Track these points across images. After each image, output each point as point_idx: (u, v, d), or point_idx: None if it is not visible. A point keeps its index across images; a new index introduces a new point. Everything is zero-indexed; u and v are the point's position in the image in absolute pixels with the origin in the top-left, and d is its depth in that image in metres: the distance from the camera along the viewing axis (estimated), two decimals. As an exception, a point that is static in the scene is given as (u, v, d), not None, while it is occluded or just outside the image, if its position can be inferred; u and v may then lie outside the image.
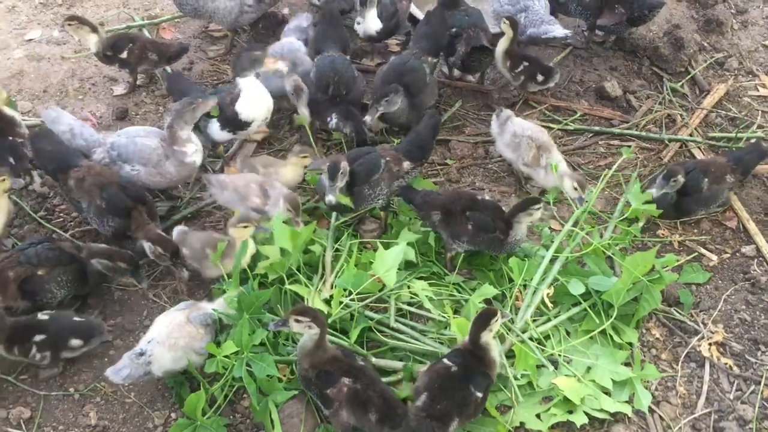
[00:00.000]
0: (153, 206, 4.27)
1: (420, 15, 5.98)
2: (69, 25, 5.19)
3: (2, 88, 4.81)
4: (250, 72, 4.60)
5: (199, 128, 4.62)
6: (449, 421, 3.24)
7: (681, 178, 4.32)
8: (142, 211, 4.10)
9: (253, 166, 4.57)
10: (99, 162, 4.37)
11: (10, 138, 4.56)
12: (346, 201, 4.03)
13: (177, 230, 4.14)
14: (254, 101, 4.65)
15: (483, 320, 3.29)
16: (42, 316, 3.71)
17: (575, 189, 4.28)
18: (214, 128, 4.70)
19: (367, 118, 4.67)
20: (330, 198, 3.95)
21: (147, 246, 3.99)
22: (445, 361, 3.36)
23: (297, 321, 3.22)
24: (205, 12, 5.56)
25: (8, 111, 4.64)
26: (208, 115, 4.57)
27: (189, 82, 5.07)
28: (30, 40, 5.92)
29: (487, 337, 3.31)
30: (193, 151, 4.38)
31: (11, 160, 4.53)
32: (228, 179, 4.37)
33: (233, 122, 4.65)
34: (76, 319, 3.77)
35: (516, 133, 4.65)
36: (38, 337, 3.62)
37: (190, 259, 4.02)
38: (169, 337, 3.50)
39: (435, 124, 4.50)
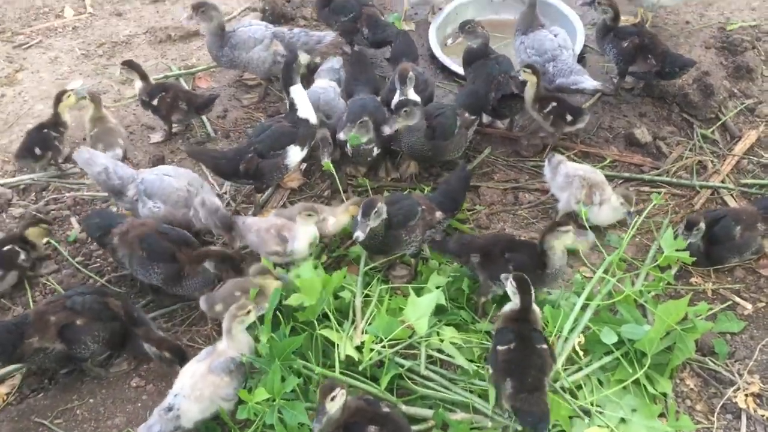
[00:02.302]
0: (198, 248, 4.33)
1: (449, 63, 6.10)
2: (123, 68, 5.58)
3: (75, 92, 5.44)
4: (297, 78, 4.76)
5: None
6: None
7: (702, 226, 4.34)
8: (186, 251, 4.17)
9: (295, 215, 4.49)
10: (131, 198, 4.51)
11: (45, 130, 5.30)
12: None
13: (201, 299, 4.15)
14: (308, 103, 4.85)
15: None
16: None
17: (622, 204, 4.42)
18: (294, 153, 4.79)
19: (386, 128, 4.69)
20: (358, 234, 3.95)
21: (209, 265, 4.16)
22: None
23: (333, 398, 3.18)
24: (240, 62, 5.73)
25: (66, 117, 5.39)
26: (279, 147, 4.73)
27: None
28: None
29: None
30: None
31: (37, 150, 5.26)
32: (252, 222, 4.45)
33: (307, 133, 4.84)
34: None
35: (569, 173, 4.74)
36: None
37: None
38: (194, 389, 3.53)
39: (467, 176, 4.63)
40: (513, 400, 3.41)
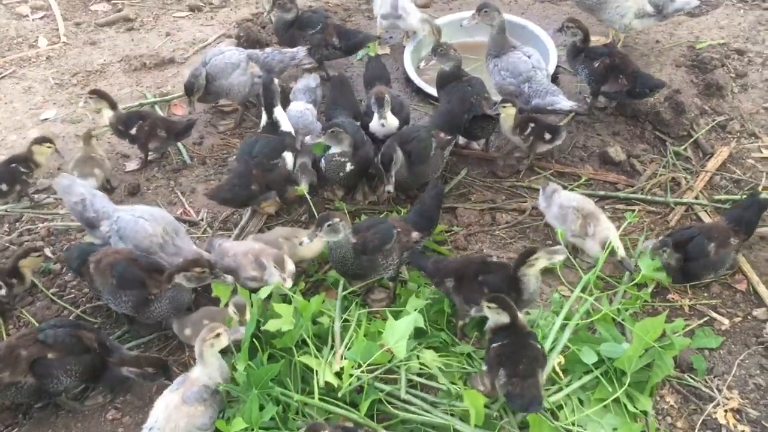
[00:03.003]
0: None
1: (425, 86, 6.14)
2: (90, 97, 5.54)
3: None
4: (278, 100, 5.04)
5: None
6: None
7: (669, 249, 4.40)
8: (156, 277, 4.09)
9: (274, 240, 4.53)
10: (104, 235, 4.46)
11: (13, 165, 5.25)
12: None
13: (174, 323, 4.16)
14: (288, 121, 5.15)
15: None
16: None
17: (602, 249, 4.39)
18: (290, 158, 5.03)
19: (389, 188, 4.81)
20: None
21: (183, 278, 4.00)
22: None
23: None
24: (221, 91, 5.78)
25: (41, 158, 5.31)
26: (276, 155, 4.95)
27: None
28: (45, 119, 6.09)
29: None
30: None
31: (3, 186, 5.23)
32: (228, 246, 4.42)
33: (294, 142, 5.11)
34: None
35: (562, 204, 4.71)
36: None
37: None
38: (169, 421, 3.49)
39: (439, 193, 4.61)
40: (506, 387, 3.47)
